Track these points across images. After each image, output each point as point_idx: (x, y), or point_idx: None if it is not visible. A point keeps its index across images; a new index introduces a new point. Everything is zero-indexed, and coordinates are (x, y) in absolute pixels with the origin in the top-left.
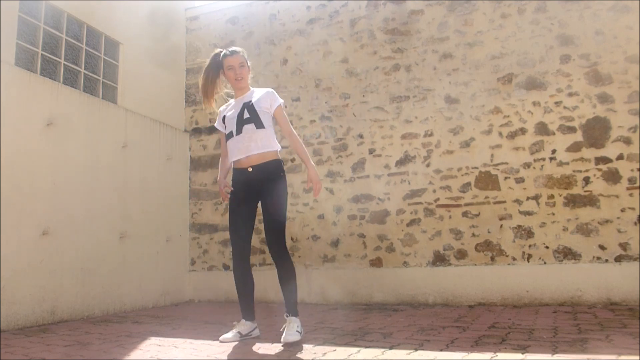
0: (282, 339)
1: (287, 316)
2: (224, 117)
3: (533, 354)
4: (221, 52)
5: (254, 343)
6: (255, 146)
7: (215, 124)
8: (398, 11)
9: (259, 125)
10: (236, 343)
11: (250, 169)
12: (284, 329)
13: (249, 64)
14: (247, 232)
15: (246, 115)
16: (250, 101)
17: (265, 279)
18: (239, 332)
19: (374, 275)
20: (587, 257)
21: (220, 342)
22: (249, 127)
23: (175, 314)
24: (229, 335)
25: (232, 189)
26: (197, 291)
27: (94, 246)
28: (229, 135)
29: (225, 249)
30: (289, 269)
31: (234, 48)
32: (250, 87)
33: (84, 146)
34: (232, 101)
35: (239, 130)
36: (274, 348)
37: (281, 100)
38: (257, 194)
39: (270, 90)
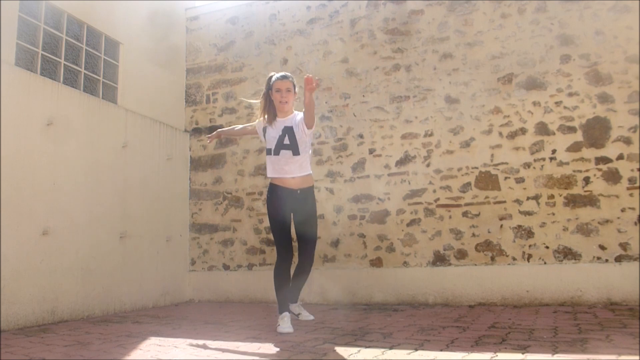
0: (303, 317)
1: (300, 303)
2: (265, 129)
3: (533, 354)
4: (273, 75)
5: (253, 343)
6: (298, 169)
7: (256, 125)
8: (398, 11)
9: (296, 152)
10: (237, 343)
11: (299, 192)
12: (299, 314)
13: (296, 89)
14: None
15: (286, 141)
16: (292, 126)
17: (266, 279)
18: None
19: (374, 275)
20: (587, 257)
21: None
22: (285, 153)
23: (175, 314)
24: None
25: (277, 203)
26: (197, 291)
27: (94, 246)
28: (268, 151)
29: (225, 249)
30: (309, 270)
31: (284, 73)
32: (294, 111)
33: (84, 146)
34: (277, 119)
35: (276, 152)
36: (274, 348)
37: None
38: (296, 210)
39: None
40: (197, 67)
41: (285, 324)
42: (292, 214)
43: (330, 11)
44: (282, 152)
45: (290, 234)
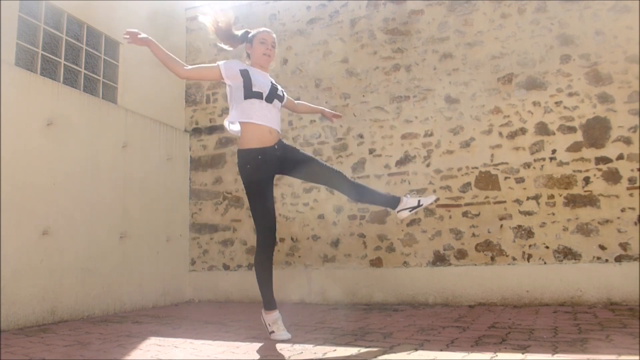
0: (425, 201)
1: (407, 196)
2: (247, 71)
3: (533, 354)
4: (253, 29)
5: (253, 343)
6: (278, 122)
7: (223, 67)
8: (398, 11)
9: (279, 108)
10: (237, 343)
11: (276, 147)
12: (418, 201)
13: (276, 52)
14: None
15: (280, 92)
16: (276, 85)
17: None
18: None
19: (374, 275)
20: (587, 257)
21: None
22: (277, 104)
23: (175, 314)
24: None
25: (255, 170)
26: (197, 291)
27: (94, 246)
28: (257, 95)
29: (225, 249)
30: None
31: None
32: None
33: (84, 146)
34: (257, 69)
35: (269, 100)
36: (274, 348)
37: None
38: (280, 170)
39: None
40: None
41: (280, 329)
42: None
43: (330, 11)
44: (276, 102)
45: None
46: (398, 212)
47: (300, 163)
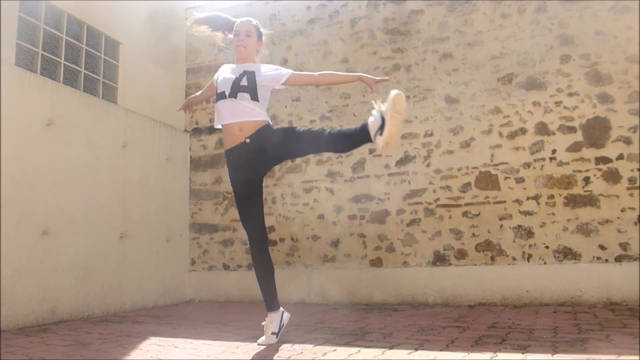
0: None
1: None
2: (218, 77)
3: (533, 354)
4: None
5: (253, 343)
6: (249, 113)
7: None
8: (398, 11)
9: (254, 97)
10: (237, 343)
11: (248, 140)
12: (375, 128)
13: (261, 38)
14: (262, 218)
15: (244, 82)
16: (253, 71)
17: None
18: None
19: (374, 275)
20: (587, 257)
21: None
22: (244, 95)
23: (175, 314)
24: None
25: (231, 170)
26: (197, 291)
27: (94, 246)
28: (221, 96)
29: (225, 249)
30: None
31: (248, 18)
32: (260, 63)
33: (84, 146)
34: (233, 65)
35: (233, 95)
36: (274, 348)
37: (290, 71)
38: (263, 163)
39: (278, 68)
40: (197, 67)
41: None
42: (260, 175)
43: (330, 11)
44: (240, 94)
45: (260, 212)
46: (375, 141)
47: (280, 146)
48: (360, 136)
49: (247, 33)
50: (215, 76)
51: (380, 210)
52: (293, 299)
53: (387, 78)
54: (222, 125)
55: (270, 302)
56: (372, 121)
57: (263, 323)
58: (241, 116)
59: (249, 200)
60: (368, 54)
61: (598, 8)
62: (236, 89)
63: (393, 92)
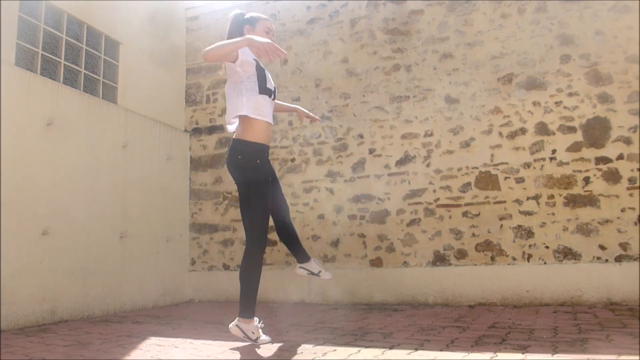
0: (321, 275)
1: (315, 260)
2: (264, 69)
3: (533, 354)
4: (253, 14)
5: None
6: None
7: (244, 55)
8: (398, 11)
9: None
10: (237, 343)
11: (269, 145)
12: (319, 271)
13: None
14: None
15: (276, 92)
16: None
17: (265, 279)
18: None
19: (374, 275)
20: (587, 257)
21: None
22: (273, 102)
23: (175, 314)
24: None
25: (262, 165)
26: (197, 291)
27: (94, 246)
28: (268, 92)
29: (225, 249)
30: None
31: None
32: None
33: (84, 146)
34: (260, 63)
35: (275, 98)
36: (274, 348)
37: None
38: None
39: None
40: (197, 67)
41: (261, 332)
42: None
43: (330, 11)
44: (275, 100)
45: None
46: (299, 267)
47: (273, 175)
48: (300, 253)
49: (273, 33)
50: (251, 59)
51: (380, 210)
52: (293, 299)
53: (318, 119)
54: (258, 119)
55: (254, 307)
56: (312, 264)
57: (260, 324)
58: (273, 121)
59: (269, 192)
60: (368, 54)
61: (598, 8)
62: (274, 95)
63: (329, 275)
